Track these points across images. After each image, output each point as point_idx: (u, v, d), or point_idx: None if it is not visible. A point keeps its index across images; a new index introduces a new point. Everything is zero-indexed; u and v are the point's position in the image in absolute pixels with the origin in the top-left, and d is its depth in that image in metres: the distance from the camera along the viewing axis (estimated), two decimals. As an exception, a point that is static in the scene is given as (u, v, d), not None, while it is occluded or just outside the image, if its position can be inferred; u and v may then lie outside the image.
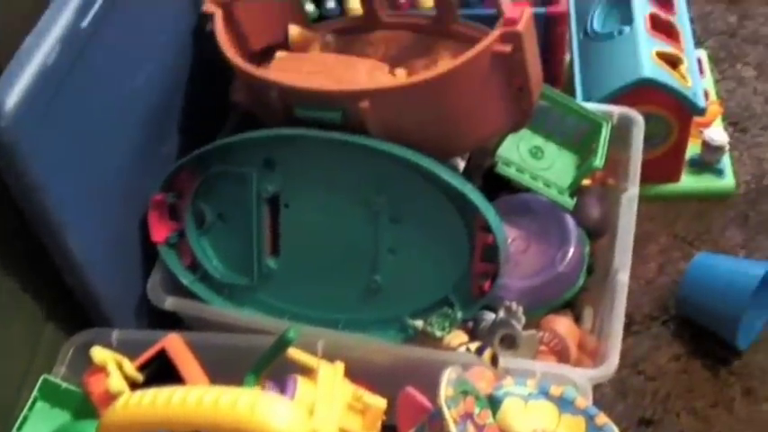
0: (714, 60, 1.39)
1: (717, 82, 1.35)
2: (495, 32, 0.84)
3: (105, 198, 0.86)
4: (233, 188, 0.91)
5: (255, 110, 0.96)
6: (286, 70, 0.91)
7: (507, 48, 0.83)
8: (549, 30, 1.11)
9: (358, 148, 0.86)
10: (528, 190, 0.99)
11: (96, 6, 0.79)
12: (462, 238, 0.86)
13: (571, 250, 0.94)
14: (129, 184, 0.90)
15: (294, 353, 0.77)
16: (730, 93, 1.34)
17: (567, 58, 1.22)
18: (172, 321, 0.93)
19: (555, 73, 1.15)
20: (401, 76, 0.94)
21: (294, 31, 1.01)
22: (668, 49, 1.13)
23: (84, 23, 0.78)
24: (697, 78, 1.13)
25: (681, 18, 1.20)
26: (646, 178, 1.01)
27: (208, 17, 0.96)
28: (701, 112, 1.12)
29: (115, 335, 0.86)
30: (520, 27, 0.83)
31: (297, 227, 0.91)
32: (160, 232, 0.93)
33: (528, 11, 0.84)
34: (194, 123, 1.01)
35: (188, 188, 0.94)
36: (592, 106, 1.05)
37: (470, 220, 0.86)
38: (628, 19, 1.14)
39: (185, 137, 1.00)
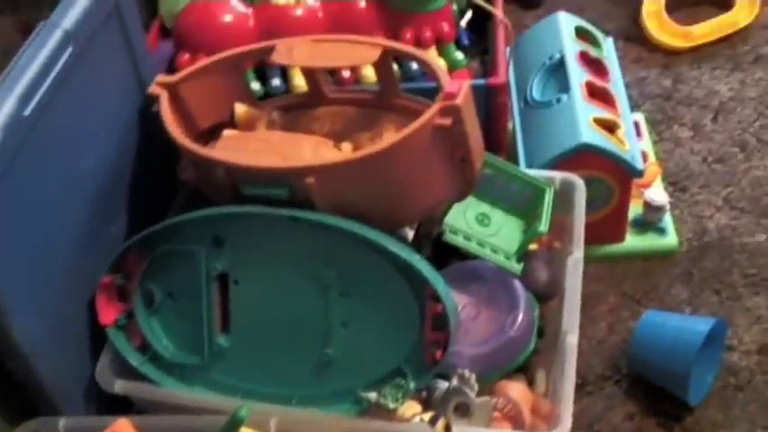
0: (651, 123, 1.44)
1: (655, 143, 1.39)
2: (436, 106, 0.86)
3: (51, 283, 0.85)
4: (182, 267, 0.91)
5: (203, 188, 0.96)
6: (232, 149, 0.92)
7: (447, 121, 0.86)
8: (490, 100, 1.15)
9: (306, 224, 0.87)
10: (477, 256, 1.01)
11: (40, 94, 0.80)
12: (413, 308, 0.87)
13: (520, 315, 0.95)
14: (75, 267, 0.89)
15: (246, 432, 0.77)
16: (668, 153, 1.38)
17: (510, 126, 1.25)
18: (123, 405, 0.91)
19: (498, 141, 1.19)
20: (347, 151, 0.96)
21: (240, 109, 1.03)
22: (605, 114, 1.17)
23: (28, 111, 0.78)
24: (634, 142, 1.17)
25: (616, 85, 1.24)
26: (591, 240, 1.04)
27: (154, 98, 0.97)
28: (640, 174, 1.15)
29: (62, 423, 0.84)
30: (459, 101, 0.85)
31: (247, 303, 0.91)
32: (108, 315, 0.92)
33: (466, 85, 0.87)
34: (142, 203, 1.02)
35: (136, 269, 0.93)
36: (535, 172, 1.08)
37: (420, 290, 0.87)
38: (565, 87, 1.18)
39: (133, 217, 1.00)
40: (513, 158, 1.17)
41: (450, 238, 1.00)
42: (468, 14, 1.30)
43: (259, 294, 0.91)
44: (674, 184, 1.34)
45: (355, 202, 0.88)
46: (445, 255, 1.01)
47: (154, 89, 0.97)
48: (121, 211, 0.99)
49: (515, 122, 1.22)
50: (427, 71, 0.98)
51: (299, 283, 0.89)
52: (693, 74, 1.53)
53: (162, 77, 0.98)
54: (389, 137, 0.93)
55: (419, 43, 1.16)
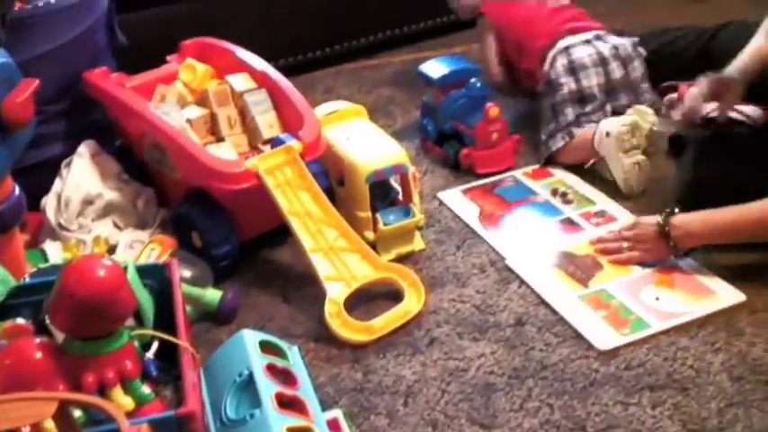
0: (350, 416, 1.51)
1: (355, 437, 1.46)
2: (117, 455, 0.86)
3: None
4: None
5: None
6: None
7: (130, 468, 0.85)
8: (183, 429, 1.15)
9: None
10: None
11: None
12: None
13: None
14: None
15: None
16: (369, 444, 1.45)
17: (209, 449, 1.25)
18: None
19: (197, 471, 1.18)
20: None
21: None
22: (299, 422, 1.22)
23: None
24: (329, 445, 1.23)
25: (306, 391, 1.31)
26: None
27: None
28: (337, 475, 1.19)
29: None
30: (139, 445, 0.86)
31: None
32: None
33: (145, 427, 0.88)
34: None
35: None
36: (238, 494, 1.08)
37: None
38: (257, 402, 1.23)
39: None
40: (216, 483, 1.16)
41: None
42: (155, 345, 1.33)
43: None
44: (378, 475, 1.39)
45: None
46: None
47: None
48: None
49: (214, 446, 1.23)
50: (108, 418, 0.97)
51: None
52: (381, 363, 1.65)
53: None
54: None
55: (103, 385, 1.16)
